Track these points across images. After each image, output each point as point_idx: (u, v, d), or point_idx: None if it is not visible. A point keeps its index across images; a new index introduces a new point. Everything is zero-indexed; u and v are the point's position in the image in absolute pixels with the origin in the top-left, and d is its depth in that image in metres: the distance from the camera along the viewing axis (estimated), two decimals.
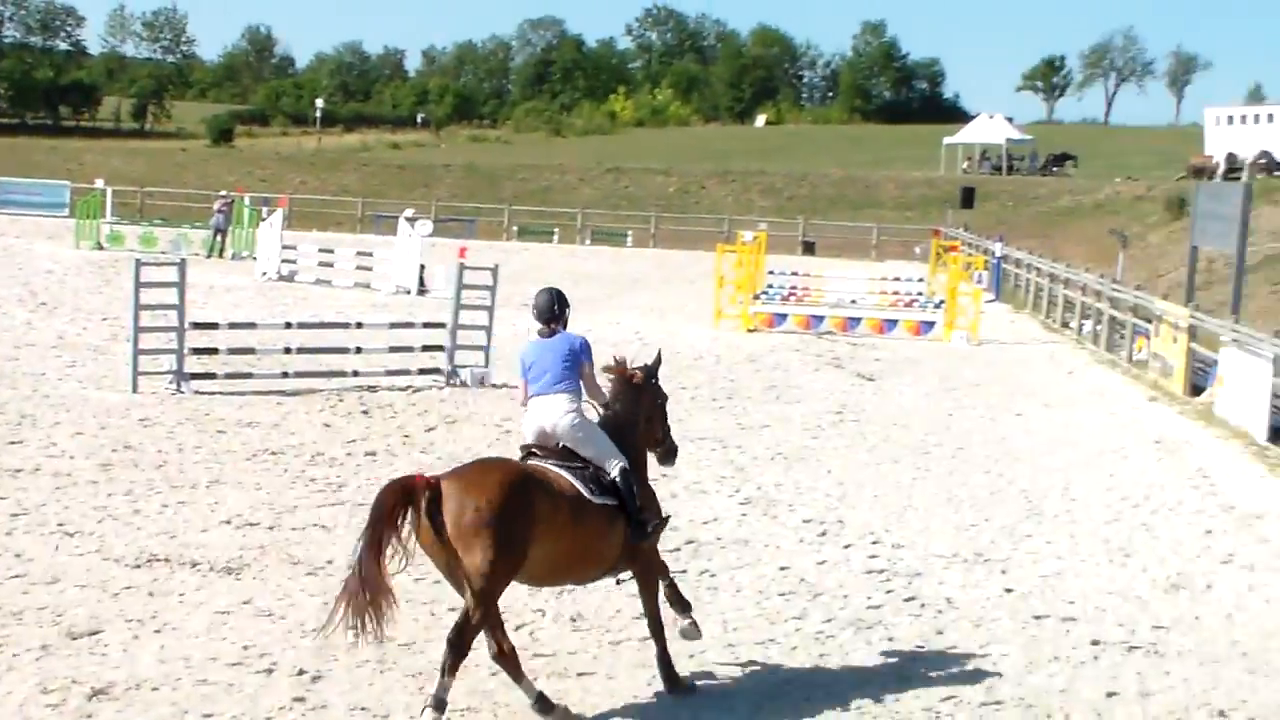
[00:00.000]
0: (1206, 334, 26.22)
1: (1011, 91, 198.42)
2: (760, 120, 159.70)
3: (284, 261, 41.58)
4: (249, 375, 22.26)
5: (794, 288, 38.15)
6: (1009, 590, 12.90)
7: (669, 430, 10.59)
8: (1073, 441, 21.01)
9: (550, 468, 9.56)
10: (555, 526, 9.13)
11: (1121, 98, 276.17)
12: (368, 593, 8.75)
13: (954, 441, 20.37)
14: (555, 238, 71.54)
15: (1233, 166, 72.46)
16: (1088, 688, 10.52)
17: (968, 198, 74.95)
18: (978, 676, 10.62)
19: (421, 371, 23.52)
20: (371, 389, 22.39)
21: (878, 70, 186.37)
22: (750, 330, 34.02)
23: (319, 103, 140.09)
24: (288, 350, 23.16)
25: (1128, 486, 17.88)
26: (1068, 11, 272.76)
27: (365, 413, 20.54)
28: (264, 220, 44.28)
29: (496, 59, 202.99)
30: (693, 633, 10.33)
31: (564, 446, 9.74)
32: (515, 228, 73.10)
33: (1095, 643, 11.50)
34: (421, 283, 39.23)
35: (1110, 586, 13.17)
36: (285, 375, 22.37)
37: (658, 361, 10.64)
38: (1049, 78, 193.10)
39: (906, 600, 12.49)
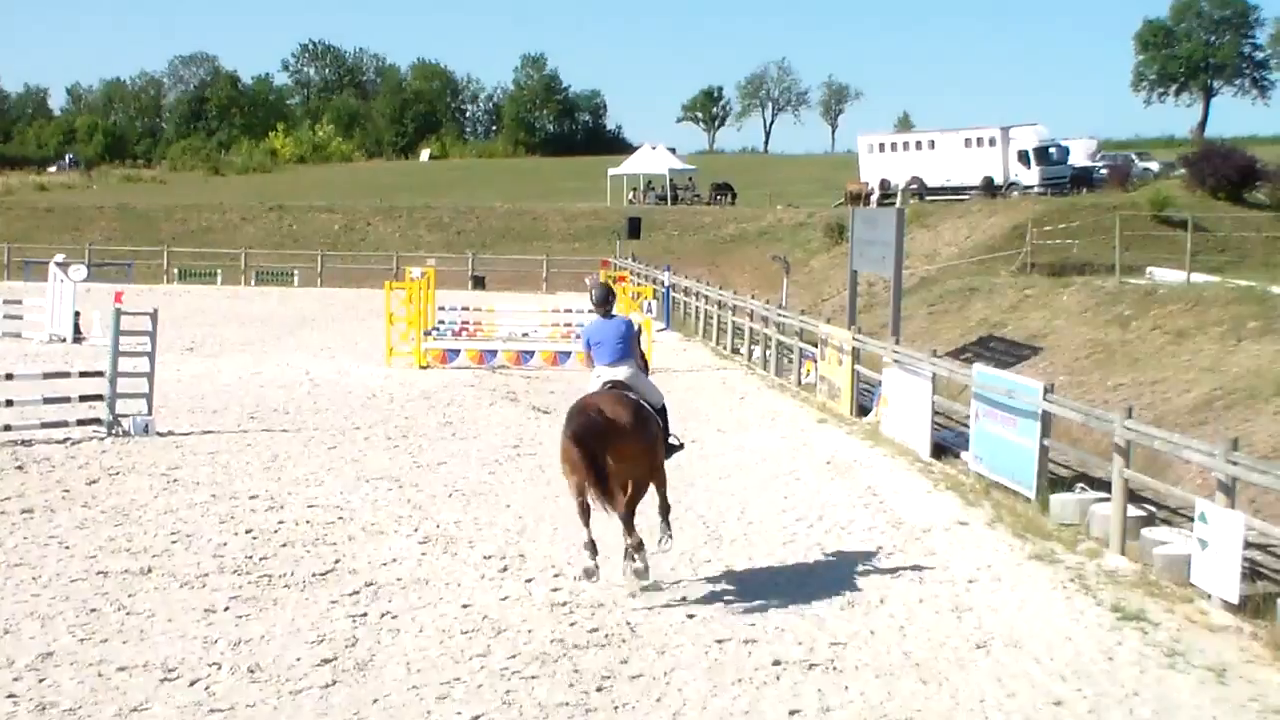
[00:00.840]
0: (870, 355, 27.15)
1: (673, 123, 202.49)
2: (424, 155, 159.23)
3: None
4: None
5: (466, 323, 38.21)
6: (690, 616, 13.10)
7: None
8: (747, 465, 21.49)
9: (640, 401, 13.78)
10: (658, 438, 13.81)
11: (779, 127, 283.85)
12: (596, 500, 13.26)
13: None
14: (219, 279, 70.12)
15: (886, 192, 75.36)
16: (771, 708, 10.75)
17: (634, 228, 76.12)
18: (663, 704, 10.75)
19: (80, 423, 22.69)
20: (26, 443, 21.49)
21: (540, 103, 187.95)
22: (423, 367, 33.86)
23: None
24: None
25: (802, 507, 18.36)
26: (723, 43, 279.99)
27: (20, 468, 19.69)
28: None
29: (148, 96, 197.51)
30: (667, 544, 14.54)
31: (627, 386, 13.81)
32: (175, 270, 71.40)
33: (777, 663, 11.76)
34: (77, 330, 38.01)
35: (788, 606, 13.49)
36: None
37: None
38: (708, 108, 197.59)
39: (591, 631, 12.56)
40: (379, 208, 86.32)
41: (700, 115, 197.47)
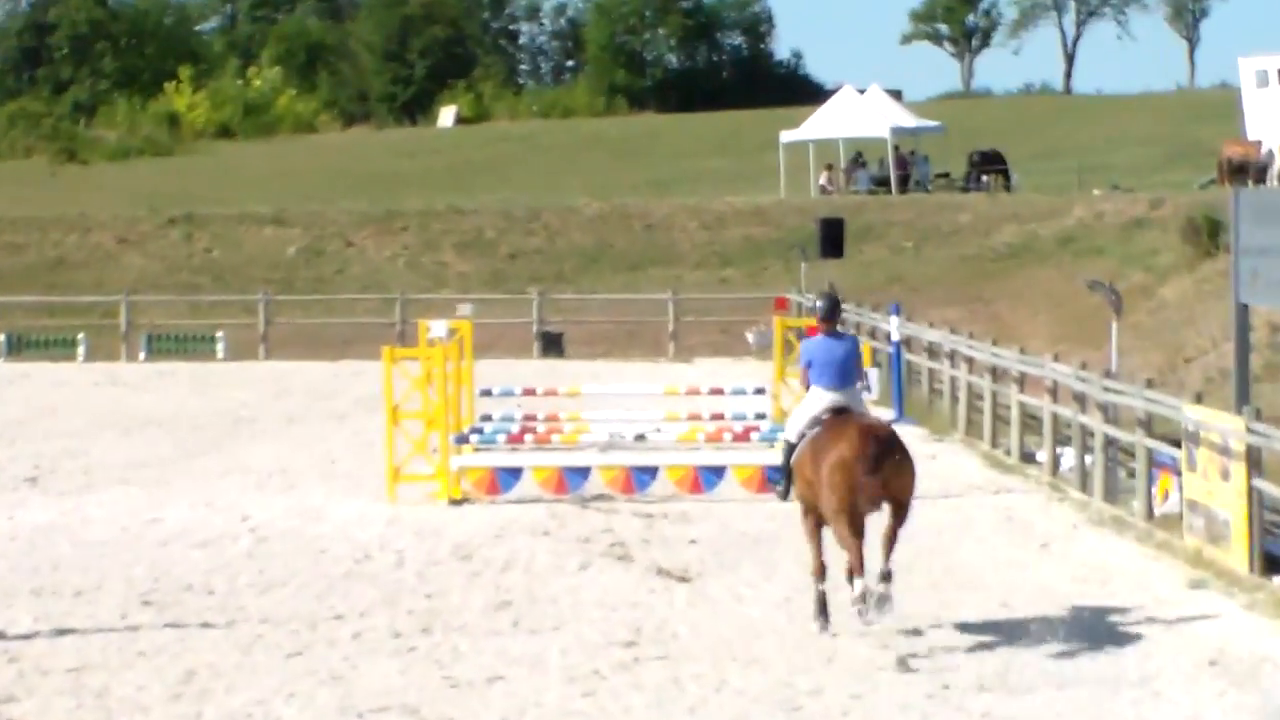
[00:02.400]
0: None
1: (894, 46, 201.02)
2: (447, 117, 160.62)
3: None
4: None
5: (530, 418, 38.21)
6: None
7: None
8: (1060, 669, 21.16)
9: None
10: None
11: (1089, 47, 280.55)
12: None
13: (843, 684, 20.37)
14: (82, 352, 70.93)
15: None
16: None
17: (833, 237, 75.92)
18: None
19: None
20: None
21: (653, 20, 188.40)
22: (456, 501, 33.86)
23: None
24: None
25: None
26: None
27: None
28: None
29: None
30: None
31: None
32: (3, 337, 72.26)
33: None
34: None
35: None
36: None
37: None
38: (958, 19, 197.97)
39: None
40: (368, 214, 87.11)
41: (946, 31, 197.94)
